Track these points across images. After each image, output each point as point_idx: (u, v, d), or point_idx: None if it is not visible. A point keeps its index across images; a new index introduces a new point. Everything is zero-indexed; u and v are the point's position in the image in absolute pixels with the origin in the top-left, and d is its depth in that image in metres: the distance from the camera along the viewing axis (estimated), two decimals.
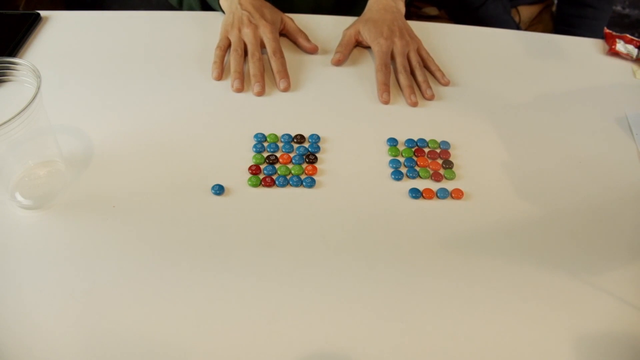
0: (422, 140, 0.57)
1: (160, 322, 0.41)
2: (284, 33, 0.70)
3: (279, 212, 0.50)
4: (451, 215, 0.51)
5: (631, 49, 0.72)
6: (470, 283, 0.45)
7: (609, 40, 0.74)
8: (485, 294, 0.45)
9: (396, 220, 0.50)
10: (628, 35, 0.74)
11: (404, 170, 0.54)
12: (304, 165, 0.54)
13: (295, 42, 0.70)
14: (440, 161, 0.55)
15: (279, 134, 0.57)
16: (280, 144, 0.56)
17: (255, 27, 0.65)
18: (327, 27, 0.73)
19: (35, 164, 0.50)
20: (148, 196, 0.50)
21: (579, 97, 0.66)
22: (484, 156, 0.57)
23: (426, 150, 0.56)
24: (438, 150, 0.56)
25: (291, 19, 0.71)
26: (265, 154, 0.55)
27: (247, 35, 0.65)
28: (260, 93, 0.61)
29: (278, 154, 0.55)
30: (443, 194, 0.52)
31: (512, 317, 0.43)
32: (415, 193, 0.51)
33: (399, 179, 0.53)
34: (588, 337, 0.42)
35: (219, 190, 0.51)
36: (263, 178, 0.52)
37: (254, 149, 0.55)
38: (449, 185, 0.53)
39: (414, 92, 0.62)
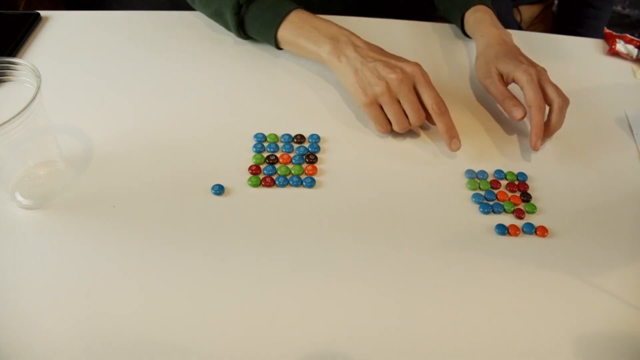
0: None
1: (160, 321, 0.41)
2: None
3: (279, 212, 0.50)
4: (452, 217, 0.51)
5: (631, 49, 0.72)
6: (470, 283, 0.45)
7: (609, 40, 0.74)
8: (485, 293, 0.45)
9: (396, 221, 0.50)
10: (628, 35, 0.74)
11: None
12: (304, 165, 0.54)
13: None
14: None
15: (279, 134, 0.57)
16: (280, 144, 0.56)
17: (401, 71, 0.54)
18: None
19: (35, 164, 0.50)
20: (148, 196, 0.50)
21: (579, 97, 0.65)
22: (480, 155, 0.57)
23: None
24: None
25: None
26: (265, 154, 0.55)
27: (394, 81, 0.53)
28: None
29: (278, 154, 0.55)
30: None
31: (512, 316, 0.43)
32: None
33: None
34: (588, 337, 0.42)
35: (219, 190, 0.51)
36: (263, 178, 0.52)
37: (254, 149, 0.55)
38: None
39: (550, 136, 0.56)
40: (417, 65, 0.55)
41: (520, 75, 0.56)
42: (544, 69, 0.58)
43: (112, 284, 0.43)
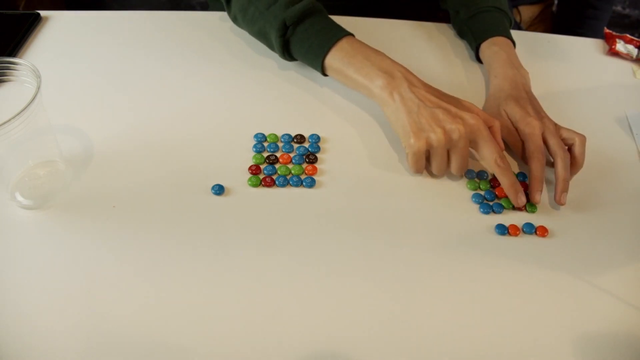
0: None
1: (160, 321, 0.41)
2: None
3: (279, 212, 0.50)
4: (452, 217, 0.51)
5: (631, 49, 0.72)
6: (470, 283, 0.45)
7: (609, 40, 0.74)
8: (485, 293, 0.45)
9: (396, 221, 0.50)
10: (628, 35, 0.74)
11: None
12: (304, 165, 0.54)
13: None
14: None
15: (279, 134, 0.57)
16: (280, 144, 0.56)
17: (463, 122, 0.50)
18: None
19: (35, 164, 0.50)
20: (148, 196, 0.50)
21: (579, 97, 0.66)
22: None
23: None
24: None
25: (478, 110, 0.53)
26: (265, 154, 0.55)
27: (455, 132, 0.49)
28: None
29: (278, 154, 0.55)
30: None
31: (512, 316, 0.43)
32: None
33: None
34: (588, 337, 0.42)
35: (219, 190, 0.51)
36: (263, 178, 0.52)
37: (254, 149, 0.55)
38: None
39: (566, 190, 0.51)
40: (479, 117, 0.50)
41: (523, 127, 0.54)
42: (551, 122, 0.54)
43: (112, 283, 0.43)
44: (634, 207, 0.53)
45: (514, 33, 0.68)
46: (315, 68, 0.60)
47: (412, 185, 0.53)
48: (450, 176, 0.54)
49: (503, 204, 0.51)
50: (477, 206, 0.51)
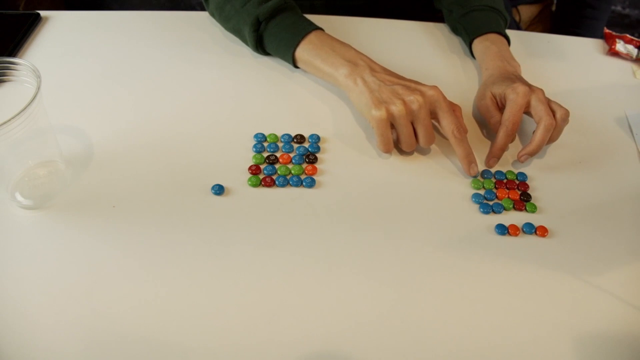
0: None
1: (160, 321, 0.41)
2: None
3: (279, 212, 0.50)
4: (452, 217, 0.51)
5: (631, 49, 0.72)
6: (470, 283, 0.45)
7: (609, 40, 0.74)
8: (485, 293, 0.45)
9: (396, 221, 0.50)
10: (628, 35, 0.74)
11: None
12: (304, 165, 0.54)
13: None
14: None
15: (279, 134, 0.57)
16: (280, 144, 0.56)
17: (421, 94, 0.52)
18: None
19: (35, 164, 0.50)
20: (148, 196, 0.50)
21: (579, 97, 0.66)
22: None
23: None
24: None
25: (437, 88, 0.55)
26: (265, 154, 0.55)
27: (414, 102, 0.51)
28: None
29: (278, 154, 0.55)
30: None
31: (512, 316, 0.43)
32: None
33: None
34: (588, 337, 0.42)
35: (219, 190, 0.51)
36: (263, 178, 0.52)
37: (254, 149, 0.55)
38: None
39: (533, 155, 0.54)
40: (437, 88, 0.53)
41: (509, 93, 0.55)
42: (539, 90, 0.55)
43: (112, 283, 0.43)
44: (634, 207, 0.53)
45: (514, 33, 0.68)
46: (287, 60, 0.63)
47: (412, 185, 0.53)
48: (450, 176, 0.54)
49: (503, 204, 0.51)
50: (477, 206, 0.51)
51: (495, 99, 0.58)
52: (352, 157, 0.56)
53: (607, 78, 0.69)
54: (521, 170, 0.55)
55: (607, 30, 0.75)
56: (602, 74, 0.70)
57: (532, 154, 0.53)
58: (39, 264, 0.44)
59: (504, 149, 0.53)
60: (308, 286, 0.44)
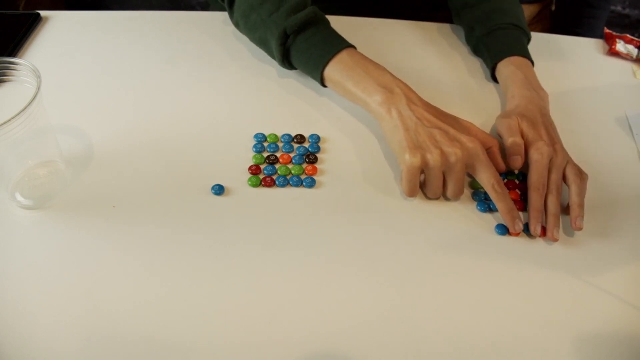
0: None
1: (160, 321, 0.41)
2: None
3: (279, 212, 0.50)
4: (453, 216, 0.51)
5: (631, 49, 0.72)
6: (470, 283, 0.45)
7: (609, 40, 0.74)
8: (485, 293, 0.45)
9: (396, 221, 0.50)
10: (628, 35, 0.74)
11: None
12: (304, 165, 0.54)
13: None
14: None
15: (279, 134, 0.57)
16: (280, 144, 0.56)
17: (461, 146, 0.49)
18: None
19: (35, 164, 0.50)
20: (148, 196, 0.50)
21: (578, 97, 0.66)
22: None
23: None
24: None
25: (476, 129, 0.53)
26: (265, 154, 0.55)
27: (452, 155, 0.48)
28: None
29: (278, 154, 0.55)
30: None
31: (512, 316, 0.43)
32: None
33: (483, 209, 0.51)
34: (588, 337, 0.42)
35: (219, 190, 0.51)
36: (263, 178, 0.52)
37: (254, 149, 0.55)
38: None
39: (558, 226, 0.49)
40: (477, 141, 0.49)
41: (533, 152, 0.52)
42: (563, 151, 0.53)
43: (111, 283, 0.44)
44: (634, 207, 0.53)
45: None
46: (315, 78, 0.59)
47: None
48: None
49: None
50: (475, 203, 0.51)
51: (522, 133, 0.54)
52: (352, 157, 0.56)
53: (607, 78, 0.69)
54: (521, 170, 0.55)
55: (607, 30, 0.75)
56: (602, 74, 0.70)
57: (555, 224, 0.49)
58: (39, 264, 0.44)
59: (541, 209, 0.49)
60: (308, 286, 0.44)
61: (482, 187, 0.53)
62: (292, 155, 0.55)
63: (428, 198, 0.52)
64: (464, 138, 0.49)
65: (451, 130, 0.50)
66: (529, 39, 0.67)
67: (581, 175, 0.51)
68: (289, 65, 0.61)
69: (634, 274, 0.47)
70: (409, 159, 0.48)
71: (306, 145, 0.56)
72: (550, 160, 0.52)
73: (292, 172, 0.53)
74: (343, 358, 0.40)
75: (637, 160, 0.58)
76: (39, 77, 0.44)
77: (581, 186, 0.50)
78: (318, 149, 0.56)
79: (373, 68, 0.55)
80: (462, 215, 0.51)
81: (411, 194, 0.51)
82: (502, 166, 0.52)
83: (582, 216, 0.49)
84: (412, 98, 0.53)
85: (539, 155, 0.51)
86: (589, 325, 0.43)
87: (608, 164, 0.57)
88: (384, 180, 0.53)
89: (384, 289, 0.44)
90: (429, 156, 0.48)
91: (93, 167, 0.53)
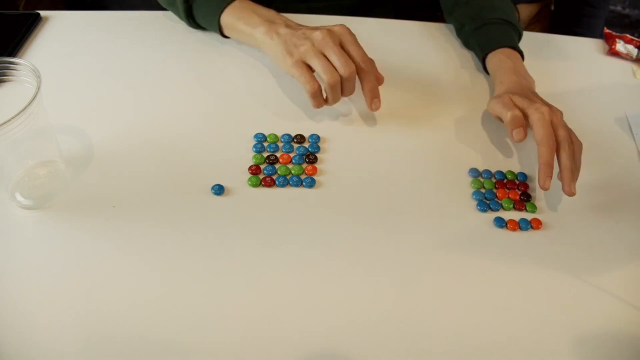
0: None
1: (160, 320, 0.41)
2: None
3: (279, 212, 0.50)
4: (453, 215, 0.51)
5: (631, 49, 0.72)
6: (469, 281, 0.45)
7: (609, 40, 0.74)
8: (485, 292, 0.45)
9: (396, 220, 0.50)
10: (628, 35, 0.74)
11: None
12: (304, 165, 0.54)
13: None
14: None
15: (279, 134, 0.57)
16: (280, 144, 0.56)
17: (327, 29, 0.55)
18: None
19: (35, 164, 0.50)
20: (148, 196, 0.50)
21: (578, 97, 0.66)
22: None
23: None
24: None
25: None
26: (265, 154, 0.55)
27: (319, 35, 0.55)
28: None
29: (278, 154, 0.55)
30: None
31: (512, 316, 0.43)
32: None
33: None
34: (588, 337, 0.42)
35: (219, 190, 0.51)
36: (263, 178, 0.52)
37: (254, 149, 0.55)
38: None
39: (574, 180, 0.50)
40: (344, 25, 0.56)
41: (532, 112, 0.53)
42: (559, 111, 0.55)
43: (112, 283, 0.44)
44: (634, 207, 0.53)
45: None
46: (215, 29, 0.65)
47: (412, 185, 0.53)
48: (450, 176, 0.54)
49: (504, 204, 0.51)
50: (475, 202, 0.52)
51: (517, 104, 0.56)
52: (352, 157, 0.56)
53: (607, 78, 0.69)
54: (521, 170, 0.55)
55: (607, 30, 0.75)
56: (602, 74, 0.70)
57: (573, 179, 0.50)
58: (39, 264, 0.44)
59: (551, 165, 0.50)
60: (308, 286, 0.44)
61: (482, 187, 0.53)
62: (292, 155, 0.55)
63: (330, 101, 0.56)
64: (330, 26, 0.56)
65: (321, 27, 0.56)
66: (520, 35, 0.68)
67: (578, 142, 0.53)
68: (193, 23, 0.68)
69: (634, 274, 0.47)
70: (288, 61, 0.55)
71: (306, 145, 0.56)
72: (551, 121, 0.53)
73: (292, 172, 0.53)
74: (343, 358, 0.40)
75: (637, 160, 0.58)
76: (39, 77, 0.44)
77: (577, 151, 0.52)
78: (318, 149, 0.56)
79: (261, 8, 0.62)
80: (462, 215, 0.51)
81: (310, 86, 0.54)
82: (380, 76, 0.57)
83: (574, 181, 0.50)
84: (290, 23, 0.59)
85: (539, 114, 0.52)
86: (588, 325, 0.43)
87: (608, 164, 0.57)
88: (383, 180, 0.53)
89: (384, 289, 0.44)
90: (301, 48, 0.55)
91: (93, 167, 0.53)
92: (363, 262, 0.46)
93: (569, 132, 0.53)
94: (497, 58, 0.64)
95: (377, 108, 0.56)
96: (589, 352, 0.41)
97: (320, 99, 0.55)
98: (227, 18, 0.63)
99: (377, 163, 0.55)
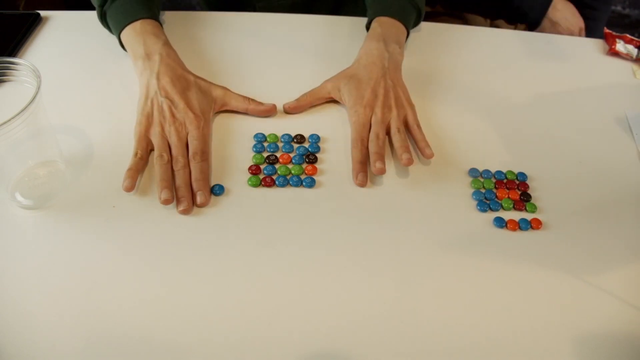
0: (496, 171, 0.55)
1: (160, 321, 0.41)
2: (225, 110, 0.59)
3: (279, 212, 0.50)
4: (452, 215, 0.51)
5: (631, 49, 0.72)
6: (469, 281, 0.45)
7: (609, 40, 0.74)
8: (485, 292, 0.45)
9: (396, 220, 0.50)
10: (628, 35, 0.74)
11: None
12: (304, 165, 0.54)
13: (246, 113, 0.59)
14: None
15: (279, 134, 0.57)
16: (280, 144, 0.56)
17: (181, 125, 0.54)
18: (318, 28, 0.73)
19: (35, 164, 0.50)
20: (148, 196, 0.50)
21: (579, 97, 0.66)
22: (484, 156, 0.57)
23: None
24: None
25: (227, 90, 0.59)
26: (265, 154, 0.55)
27: (171, 135, 0.53)
28: (187, 211, 0.49)
29: (278, 154, 0.55)
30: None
31: (512, 315, 0.43)
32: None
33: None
34: (588, 337, 0.42)
35: (219, 190, 0.51)
36: (263, 178, 0.52)
37: (254, 149, 0.55)
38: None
39: (380, 160, 0.53)
40: (200, 116, 0.55)
41: (351, 114, 0.58)
42: (384, 108, 0.57)
43: (112, 283, 0.44)
44: (634, 207, 0.53)
45: (515, 32, 0.68)
46: (118, 42, 0.64)
47: (412, 185, 0.53)
48: (450, 176, 0.54)
49: (504, 204, 0.51)
50: (475, 202, 0.52)
51: (339, 95, 0.59)
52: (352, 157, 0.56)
53: (607, 78, 0.69)
54: (521, 170, 0.55)
55: (607, 30, 0.75)
56: (602, 74, 0.70)
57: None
58: (39, 264, 0.44)
59: (363, 161, 0.53)
60: (308, 285, 0.44)
61: (482, 187, 0.53)
62: (292, 155, 0.55)
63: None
64: (188, 116, 0.54)
65: (181, 105, 0.55)
66: (419, 14, 0.67)
67: (401, 127, 0.56)
68: (107, 26, 0.66)
69: (634, 273, 0.47)
70: (136, 125, 0.54)
71: (306, 145, 0.56)
72: (370, 119, 0.56)
73: (292, 172, 0.53)
74: (343, 357, 0.40)
75: (637, 160, 0.58)
76: (39, 77, 0.44)
77: (402, 137, 0.55)
78: (318, 149, 0.56)
79: (151, 38, 0.60)
80: (462, 215, 0.51)
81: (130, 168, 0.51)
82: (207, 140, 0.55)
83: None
84: (164, 69, 0.57)
85: (355, 116, 0.57)
86: (588, 325, 0.43)
87: (608, 164, 0.57)
88: (383, 180, 0.53)
89: (384, 289, 0.44)
90: (153, 131, 0.54)
91: (93, 167, 0.53)
92: (363, 262, 0.46)
93: (395, 122, 0.56)
94: (372, 27, 0.63)
95: (202, 203, 0.50)
96: (589, 352, 0.41)
97: (135, 176, 0.51)
98: (125, 38, 0.62)
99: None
